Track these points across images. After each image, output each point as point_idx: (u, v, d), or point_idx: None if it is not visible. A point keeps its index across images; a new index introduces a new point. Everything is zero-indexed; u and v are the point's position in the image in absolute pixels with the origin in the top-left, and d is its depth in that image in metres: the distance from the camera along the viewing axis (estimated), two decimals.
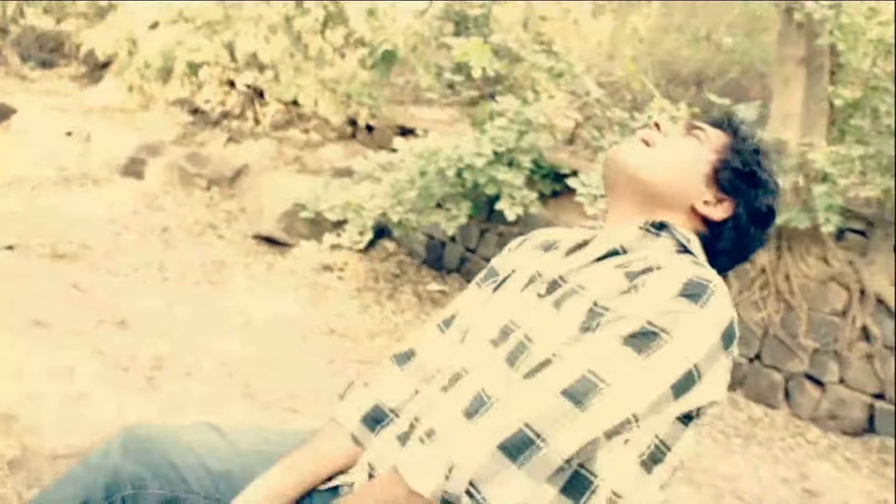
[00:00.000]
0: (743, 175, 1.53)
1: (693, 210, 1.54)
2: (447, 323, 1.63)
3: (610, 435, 1.28)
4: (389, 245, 6.90)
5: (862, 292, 5.33)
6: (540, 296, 1.47)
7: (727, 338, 1.34)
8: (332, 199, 6.19)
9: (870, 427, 5.38)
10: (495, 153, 5.21)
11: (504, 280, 1.59)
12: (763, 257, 5.54)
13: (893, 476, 4.87)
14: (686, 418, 1.36)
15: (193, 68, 6.66)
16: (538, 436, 1.26)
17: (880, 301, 5.32)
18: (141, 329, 4.82)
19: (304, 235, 6.68)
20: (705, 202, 1.53)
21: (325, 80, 6.86)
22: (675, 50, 6.91)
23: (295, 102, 7.50)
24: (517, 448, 1.26)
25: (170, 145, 7.48)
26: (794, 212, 5.18)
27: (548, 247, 1.63)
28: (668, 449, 1.35)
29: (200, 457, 1.62)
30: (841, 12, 4.95)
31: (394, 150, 6.08)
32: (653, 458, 1.34)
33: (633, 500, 1.34)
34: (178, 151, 7.35)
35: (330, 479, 1.55)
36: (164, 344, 4.65)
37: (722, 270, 1.53)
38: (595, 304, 1.36)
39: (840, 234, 5.50)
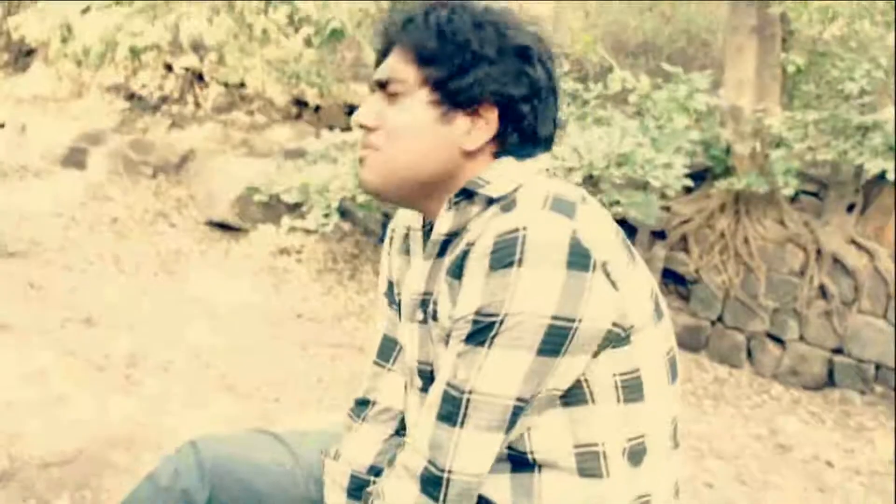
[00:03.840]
0: (461, 69, 1.29)
1: (469, 152, 1.32)
2: (386, 356, 1.55)
3: (508, 430, 1.25)
4: (345, 225, 6.84)
5: (818, 252, 5.52)
6: (421, 323, 1.38)
7: (576, 261, 1.18)
8: (287, 182, 6.10)
9: (830, 381, 5.61)
10: None
11: (399, 305, 1.48)
12: (722, 222, 5.69)
13: (857, 426, 5.10)
14: (615, 343, 1.26)
15: (136, 53, 6.46)
16: (441, 469, 1.25)
17: (836, 260, 5.52)
18: (108, 325, 4.71)
19: (259, 219, 6.59)
20: (469, 133, 1.31)
21: (272, 61, 6.72)
22: (621, 20, 6.96)
23: (240, 84, 7.35)
24: (433, 486, 1.26)
25: (111, 133, 7.26)
26: (752, 176, 5.32)
27: (408, 248, 1.47)
28: (629, 372, 1.28)
29: (279, 481, 1.58)
30: None
31: (348, 129, 6.01)
32: (626, 392, 1.28)
33: (652, 428, 1.32)
34: (121, 139, 7.14)
35: None
36: (135, 339, 4.55)
37: (552, 131, 1.36)
38: (450, 319, 1.28)
39: (794, 197, 5.68)
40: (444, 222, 1.33)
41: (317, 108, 7.54)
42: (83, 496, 3.06)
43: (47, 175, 6.84)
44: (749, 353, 5.77)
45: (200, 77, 7.74)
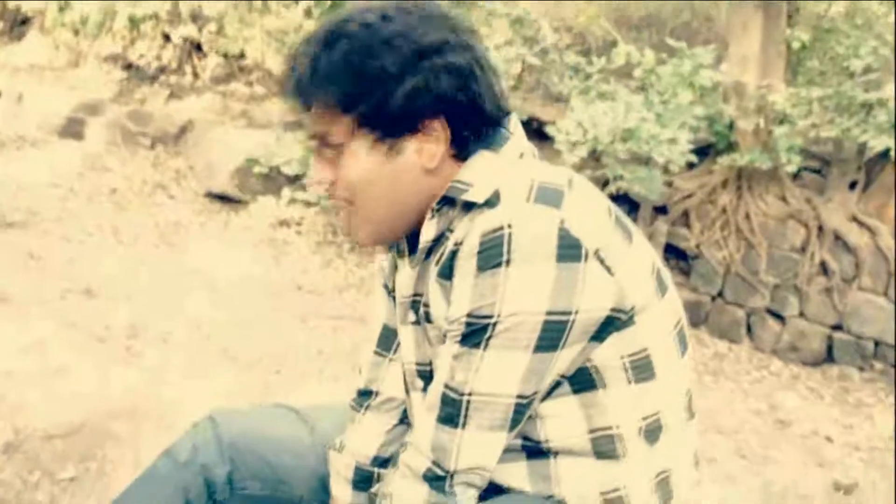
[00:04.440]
0: (386, 96, 1.22)
1: (431, 170, 1.28)
2: (386, 346, 1.52)
3: (512, 427, 1.24)
4: None
5: (820, 229, 5.53)
6: (414, 324, 1.37)
7: (566, 253, 1.16)
8: (287, 153, 6.07)
9: (829, 357, 5.63)
10: None
11: (395, 302, 1.45)
12: (724, 198, 5.68)
13: (856, 402, 5.13)
14: (619, 327, 1.24)
15: (135, 22, 6.38)
16: (446, 470, 1.25)
17: (837, 237, 5.54)
18: (108, 296, 4.69)
19: (258, 191, 6.56)
20: (423, 152, 1.26)
21: (272, 31, 6.67)
22: None
23: (239, 55, 7.30)
24: (440, 483, 1.26)
25: (109, 103, 7.19)
26: (755, 153, 5.31)
27: (395, 245, 1.44)
28: (636, 353, 1.26)
29: (300, 456, 1.57)
30: None
31: None
32: (636, 373, 1.27)
33: (666, 405, 1.32)
34: (119, 110, 7.09)
35: None
36: (135, 311, 4.54)
37: (499, 101, 1.29)
38: (445, 319, 1.27)
39: (797, 174, 5.68)
40: (429, 230, 1.29)
41: None
42: (87, 468, 3.06)
43: (44, 145, 6.78)
44: (749, 329, 5.79)
45: (199, 47, 7.67)
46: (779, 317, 5.72)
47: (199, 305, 4.81)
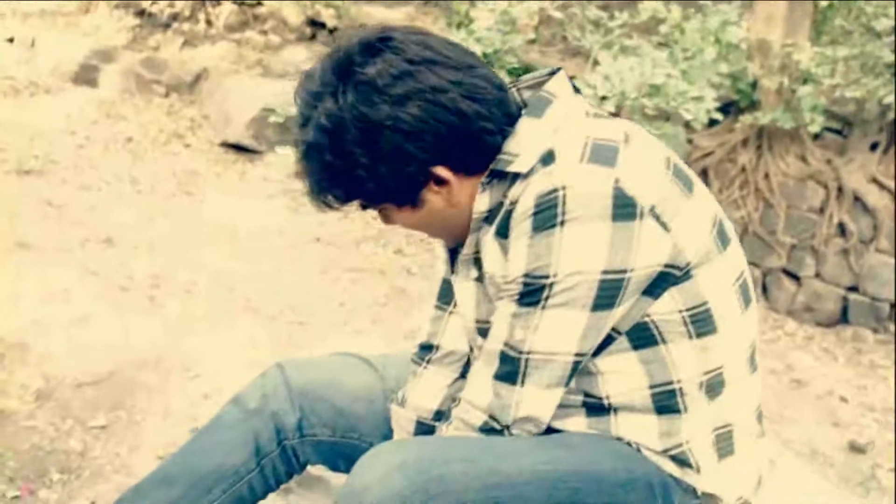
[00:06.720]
0: (386, 178, 1.28)
1: (456, 202, 1.34)
2: (447, 299, 1.52)
3: (567, 383, 1.27)
4: None
5: (839, 190, 5.52)
6: (476, 281, 1.39)
7: (621, 212, 1.18)
8: None
9: (843, 318, 5.65)
10: (484, 55, 5.12)
11: (454, 258, 1.47)
12: (744, 157, 5.66)
13: (869, 364, 5.17)
14: (675, 281, 1.25)
15: None
16: (503, 425, 1.29)
17: (857, 198, 5.52)
18: (128, 246, 4.70)
19: (274, 141, 6.51)
20: (439, 193, 1.32)
21: None
22: None
23: (256, 3, 7.20)
24: (497, 434, 1.30)
25: (122, 50, 7.11)
26: (777, 112, 5.28)
27: None
28: (696, 307, 1.26)
29: (371, 404, 1.59)
30: None
31: None
32: (697, 327, 1.27)
33: (728, 359, 1.32)
34: (132, 57, 7.00)
35: None
36: (156, 260, 4.55)
37: (482, 107, 1.27)
38: (502, 278, 1.29)
39: (818, 134, 5.64)
40: (482, 203, 1.32)
41: (332, 30, 7.39)
42: (118, 416, 3.10)
43: (58, 92, 6.72)
44: (764, 289, 5.80)
45: None
46: (794, 277, 5.73)
47: (219, 256, 4.82)
